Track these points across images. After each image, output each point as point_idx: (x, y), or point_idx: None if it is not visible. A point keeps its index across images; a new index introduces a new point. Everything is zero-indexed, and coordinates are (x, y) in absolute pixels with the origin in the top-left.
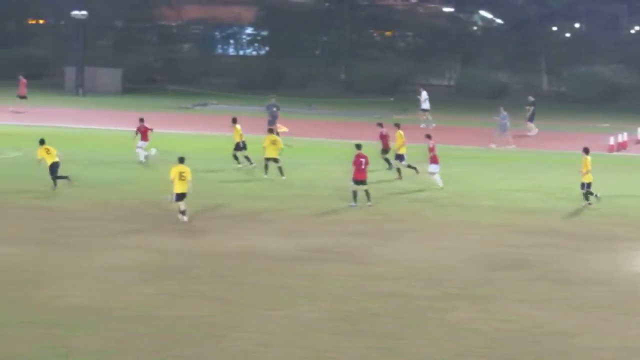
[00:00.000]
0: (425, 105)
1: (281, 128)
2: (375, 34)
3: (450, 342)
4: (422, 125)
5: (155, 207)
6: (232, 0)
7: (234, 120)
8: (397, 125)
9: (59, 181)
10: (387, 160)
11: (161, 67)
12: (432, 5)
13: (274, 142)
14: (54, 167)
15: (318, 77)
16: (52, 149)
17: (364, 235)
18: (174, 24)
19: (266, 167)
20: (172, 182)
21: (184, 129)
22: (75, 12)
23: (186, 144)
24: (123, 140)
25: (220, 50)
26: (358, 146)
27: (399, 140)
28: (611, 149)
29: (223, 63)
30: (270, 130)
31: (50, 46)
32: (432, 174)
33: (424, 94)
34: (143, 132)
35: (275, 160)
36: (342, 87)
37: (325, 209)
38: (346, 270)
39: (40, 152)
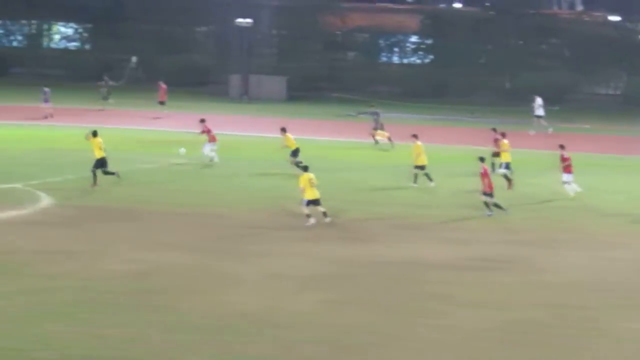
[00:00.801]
0: (540, 111)
1: (381, 135)
2: (540, 43)
3: (619, 354)
4: (532, 132)
5: (329, 215)
6: (397, 8)
7: (284, 130)
8: (503, 135)
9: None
10: (492, 165)
11: (326, 74)
12: (598, 14)
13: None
14: (101, 162)
15: (482, 86)
16: (101, 143)
17: (528, 244)
18: (338, 32)
19: (416, 176)
20: (302, 190)
21: (347, 136)
22: (239, 20)
23: (347, 152)
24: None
25: (384, 59)
26: (481, 159)
27: (503, 147)
28: None
29: (387, 71)
30: (416, 137)
31: (214, 54)
32: (566, 183)
33: (539, 100)
34: (208, 132)
35: (422, 167)
36: (506, 96)
37: (485, 218)
38: (511, 279)
39: (94, 143)
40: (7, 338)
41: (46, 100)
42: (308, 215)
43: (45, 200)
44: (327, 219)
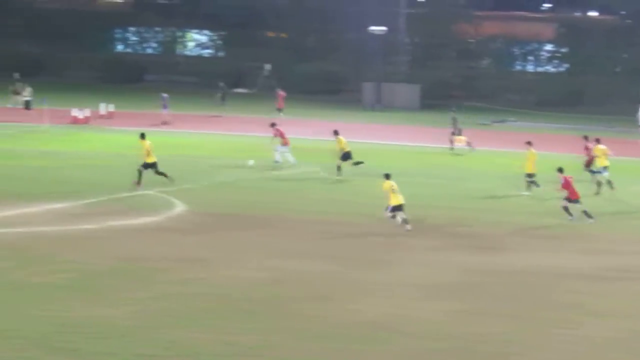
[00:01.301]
0: None
1: (459, 140)
2: None
3: None
4: None
5: (458, 224)
6: (532, 16)
7: (336, 133)
8: (598, 141)
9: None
10: (591, 171)
11: (459, 83)
12: None
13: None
14: (151, 166)
15: (618, 95)
16: (149, 145)
17: None
18: (472, 40)
19: (529, 184)
20: (387, 196)
21: (480, 145)
22: (373, 28)
23: (475, 160)
24: (418, 155)
25: (518, 67)
26: (560, 170)
27: (597, 152)
28: None
29: (521, 80)
30: (529, 144)
31: (348, 62)
32: None
33: None
34: (281, 136)
35: (530, 175)
36: None
37: (611, 226)
38: None
39: (144, 144)
40: (140, 343)
41: (165, 107)
42: (393, 217)
43: (179, 207)
44: (408, 227)
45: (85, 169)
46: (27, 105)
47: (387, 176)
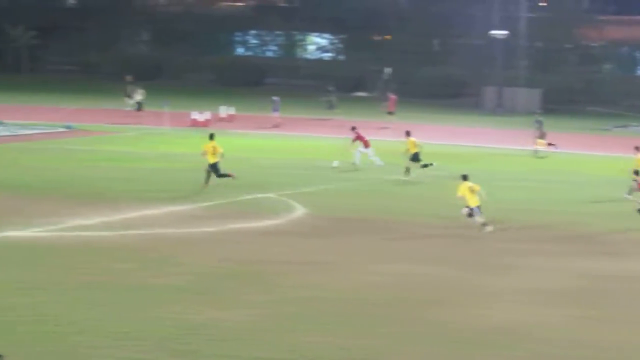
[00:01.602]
0: None
1: (541, 144)
2: None
3: None
4: None
5: (574, 228)
6: None
7: (408, 133)
8: None
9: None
10: None
11: (581, 87)
12: None
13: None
14: (214, 166)
15: None
16: (219, 148)
17: None
18: (594, 44)
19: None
20: (462, 198)
21: (601, 150)
22: (495, 32)
23: (599, 165)
24: (530, 159)
25: None
26: (636, 172)
27: None
28: None
29: None
30: (637, 149)
31: (468, 66)
32: None
33: None
34: (362, 139)
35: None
36: None
37: None
38: None
39: (207, 146)
40: (259, 347)
41: (275, 110)
42: (470, 215)
43: (299, 210)
44: (488, 228)
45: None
46: (139, 107)
47: (465, 177)
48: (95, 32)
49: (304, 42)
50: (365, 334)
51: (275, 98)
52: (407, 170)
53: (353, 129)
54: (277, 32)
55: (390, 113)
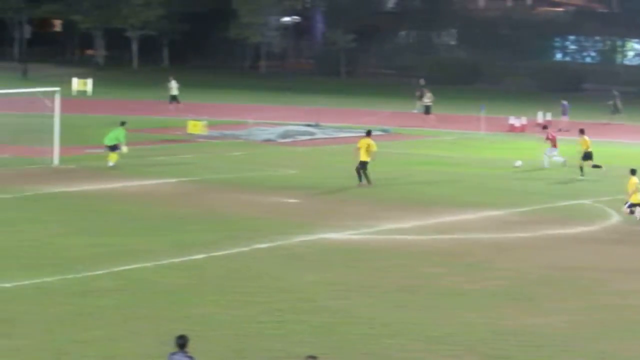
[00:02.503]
0: None
1: None
2: None
3: None
4: None
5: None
6: None
7: (582, 132)
8: None
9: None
10: None
11: None
12: None
13: None
14: (362, 164)
15: None
16: (373, 145)
17: None
18: None
19: None
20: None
21: None
22: None
23: None
24: None
25: None
26: None
27: None
28: None
29: None
30: None
31: None
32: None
33: None
34: (552, 140)
35: None
36: None
37: None
38: None
39: (362, 142)
40: (572, 354)
41: (564, 113)
42: (631, 212)
43: (614, 217)
44: None
45: (521, 177)
46: (427, 110)
47: (633, 172)
48: (412, 35)
49: (623, 48)
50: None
51: (564, 102)
52: (582, 169)
53: (544, 128)
54: (596, 38)
55: None
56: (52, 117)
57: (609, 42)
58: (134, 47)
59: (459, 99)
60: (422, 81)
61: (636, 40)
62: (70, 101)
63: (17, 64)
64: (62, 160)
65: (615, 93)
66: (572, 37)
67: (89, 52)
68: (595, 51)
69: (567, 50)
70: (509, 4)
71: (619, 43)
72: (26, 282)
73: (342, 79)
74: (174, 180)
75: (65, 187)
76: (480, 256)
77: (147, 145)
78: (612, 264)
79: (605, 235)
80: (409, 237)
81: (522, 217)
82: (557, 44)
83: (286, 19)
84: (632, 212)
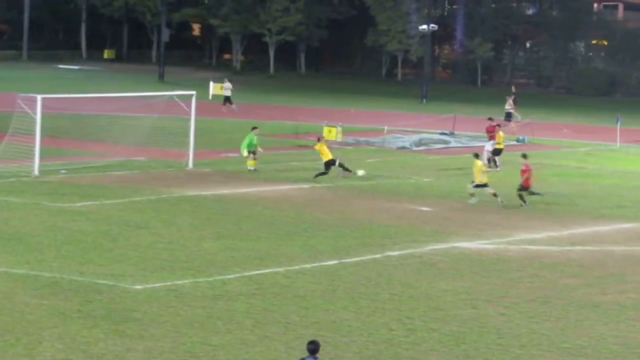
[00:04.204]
0: None
1: None
2: None
3: None
4: None
5: None
6: None
7: None
8: None
9: None
10: None
11: None
12: None
13: None
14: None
15: None
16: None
17: None
18: None
19: None
20: None
21: None
22: None
23: None
24: None
25: None
26: None
27: None
28: None
29: None
30: None
31: None
32: None
33: None
34: None
35: None
36: None
37: None
38: None
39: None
40: None
41: None
42: None
43: None
44: None
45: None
46: (507, 117)
47: None
48: (549, 45)
49: None
50: None
51: None
52: None
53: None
54: None
55: None
56: (188, 120)
57: None
58: (271, 52)
59: (595, 109)
60: (513, 88)
61: None
62: (206, 104)
63: (155, 67)
64: (197, 164)
65: None
66: None
67: (227, 56)
68: None
69: None
70: None
71: None
72: (158, 284)
73: (479, 88)
74: (307, 185)
75: (199, 191)
76: (613, 268)
77: (281, 151)
78: None
79: None
80: (542, 248)
81: None
82: None
83: (424, 27)
84: None
